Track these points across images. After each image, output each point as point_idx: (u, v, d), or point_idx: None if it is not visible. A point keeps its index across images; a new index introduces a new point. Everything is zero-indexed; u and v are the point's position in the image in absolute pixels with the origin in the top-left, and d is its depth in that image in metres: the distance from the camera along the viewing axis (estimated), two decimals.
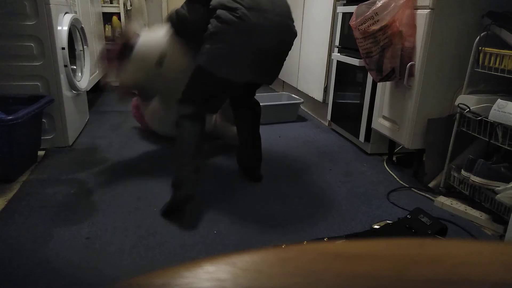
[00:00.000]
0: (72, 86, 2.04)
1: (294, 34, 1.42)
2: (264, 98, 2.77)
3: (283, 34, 1.37)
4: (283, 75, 3.32)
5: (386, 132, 1.81)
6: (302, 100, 2.73)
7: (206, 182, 1.66)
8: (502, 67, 1.32)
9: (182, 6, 1.43)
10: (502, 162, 1.43)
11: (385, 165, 1.93)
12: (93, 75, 2.70)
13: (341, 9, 2.19)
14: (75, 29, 2.19)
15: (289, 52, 1.47)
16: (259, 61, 1.36)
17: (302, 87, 2.90)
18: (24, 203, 1.44)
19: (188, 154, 1.36)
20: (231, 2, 1.28)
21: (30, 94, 1.84)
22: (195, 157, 1.36)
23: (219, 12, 1.28)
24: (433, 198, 1.58)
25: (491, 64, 1.37)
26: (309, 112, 2.96)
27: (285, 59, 1.47)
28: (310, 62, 2.72)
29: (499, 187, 1.30)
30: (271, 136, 2.32)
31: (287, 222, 1.37)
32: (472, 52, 1.44)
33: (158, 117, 1.96)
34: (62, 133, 1.98)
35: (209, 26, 1.32)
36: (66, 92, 1.97)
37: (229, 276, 0.23)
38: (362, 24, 1.57)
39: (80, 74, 2.28)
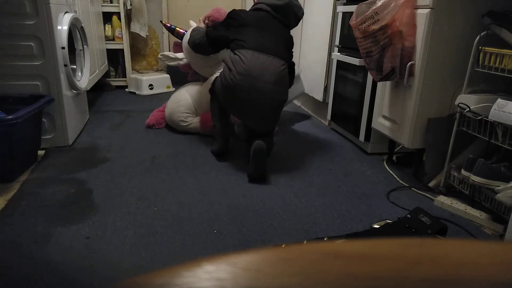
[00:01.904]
0: (72, 85, 2.04)
1: (275, 98, 1.70)
2: None
3: (263, 96, 1.67)
4: None
5: (386, 132, 1.81)
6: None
7: (205, 182, 1.67)
8: (502, 66, 1.32)
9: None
10: (502, 161, 1.43)
11: (385, 164, 1.93)
12: (93, 75, 2.70)
13: (341, 9, 2.19)
14: (75, 29, 2.19)
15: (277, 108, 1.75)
16: (242, 108, 1.73)
17: None
18: (24, 202, 1.44)
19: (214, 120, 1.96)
20: (231, 63, 1.69)
21: (30, 93, 1.84)
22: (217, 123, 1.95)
23: (223, 68, 1.74)
24: (433, 197, 1.58)
25: (491, 64, 1.37)
26: (309, 111, 2.96)
27: (272, 115, 1.76)
28: (310, 62, 2.72)
29: (499, 186, 1.30)
30: None
31: (287, 222, 1.37)
32: (472, 51, 1.44)
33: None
34: (62, 133, 1.98)
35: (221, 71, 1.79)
36: (66, 92, 1.97)
37: (229, 276, 0.23)
38: (362, 24, 1.57)
39: (80, 73, 2.28)
